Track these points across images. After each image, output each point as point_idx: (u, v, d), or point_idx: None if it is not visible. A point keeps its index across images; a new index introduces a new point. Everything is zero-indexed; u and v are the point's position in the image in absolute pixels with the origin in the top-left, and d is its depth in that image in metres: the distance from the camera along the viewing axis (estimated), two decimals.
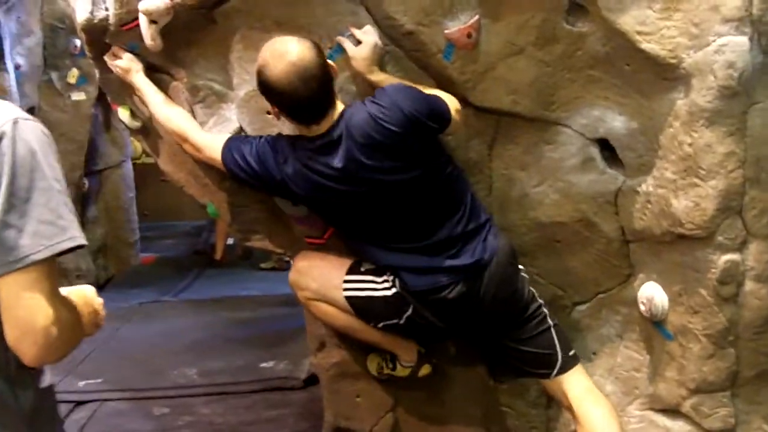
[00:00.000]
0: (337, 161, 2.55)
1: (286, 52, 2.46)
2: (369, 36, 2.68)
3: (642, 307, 2.79)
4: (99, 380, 4.58)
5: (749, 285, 2.61)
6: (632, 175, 2.74)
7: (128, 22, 2.75)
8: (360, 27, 2.70)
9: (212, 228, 8.04)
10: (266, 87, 2.52)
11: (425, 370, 3.02)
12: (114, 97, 3.16)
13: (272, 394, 4.32)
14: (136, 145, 7.14)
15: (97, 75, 3.14)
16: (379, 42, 2.70)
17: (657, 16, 2.49)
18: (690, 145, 2.50)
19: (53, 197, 1.50)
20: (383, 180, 2.56)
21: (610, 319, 2.98)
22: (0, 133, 1.46)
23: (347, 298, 2.80)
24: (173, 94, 2.91)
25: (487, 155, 2.89)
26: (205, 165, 2.88)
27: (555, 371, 2.77)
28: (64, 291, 1.61)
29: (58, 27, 6.13)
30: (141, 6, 2.67)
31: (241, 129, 2.86)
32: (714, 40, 2.42)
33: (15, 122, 1.49)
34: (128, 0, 2.70)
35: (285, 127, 2.71)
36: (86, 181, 6.77)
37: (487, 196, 2.92)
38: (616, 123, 2.71)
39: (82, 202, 6.69)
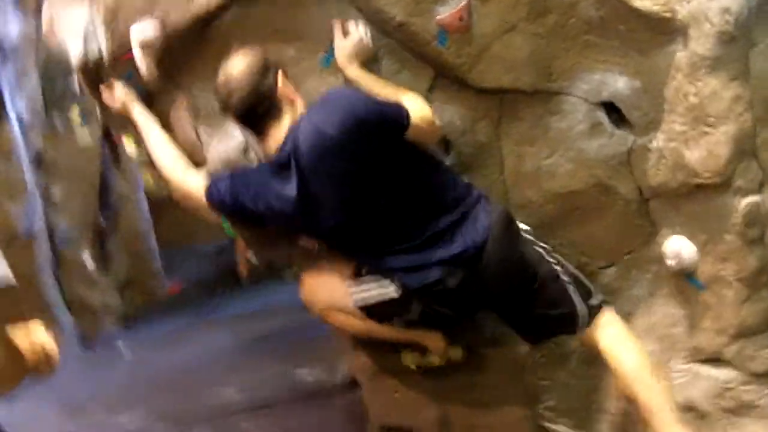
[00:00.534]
0: (292, 186, 2.58)
1: (227, 64, 2.61)
2: (355, 30, 2.69)
3: (670, 262, 2.78)
4: (140, 411, 4.60)
5: None
6: (642, 134, 2.73)
7: (122, 54, 2.77)
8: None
9: (233, 247, 8.04)
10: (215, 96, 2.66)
11: (457, 354, 3.04)
12: (118, 128, 3.18)
13: (312, 401, 4.32)
14: (147, 179, 7.14)
15: (98, 111, 3.17)
16: (367, 39, 2.70)
17: None
18: (695, 95, 2.50)
19: None
20: (344, 190, 2.57)
21: (639, 279, 2.97)
22: None
23: (357, 305, 2.81)
24: (175, 116, 2.92)
25: (495, 135, 2.89)
26: None
27: (579, 326, 2.74)
28: (13, 329, 1.59)
29: (55, 69, 6.15)
30: (133, 38, 2.69)
31: (246, 143, 2.87)
32: None
33: None
34: (120, 33, 2.73)
35: None
36: (102, 219, 6.79)
37: (500, 175, 2.92)
38: (618, 84, 2.70)
39: (100, 239, 6.71)
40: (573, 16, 2.66)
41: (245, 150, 2.88)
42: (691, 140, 2.55)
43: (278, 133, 2.62)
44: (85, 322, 6.06)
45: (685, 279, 2.80)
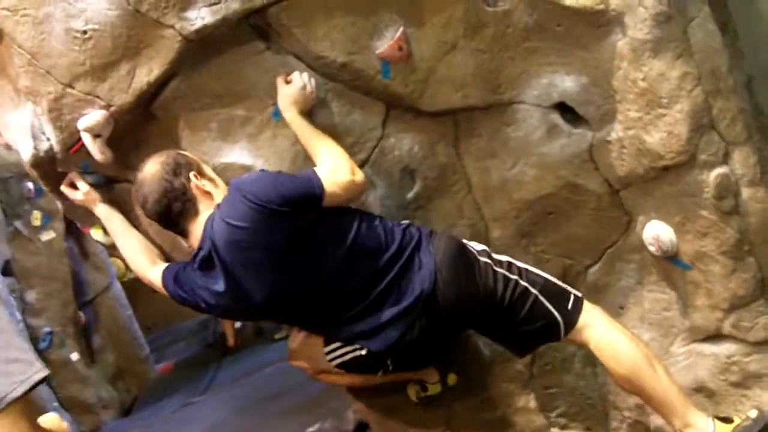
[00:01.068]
0: (219, 283, 2.60)
1: (140, 171, 2.67)
2: (298, 78, 2.68)
3: (651, 248, 2.79)
4: None
5: (745, 192, 2.61)
6: (599, 128, 2.74)
7: (73, 145, 2.76)
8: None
9: (217, 319, 7.99)
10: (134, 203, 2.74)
11: (452, 379, 3.06)
12: (82, 221, 3.15)
13: None
14: (119, 264, 7.12)
15: (59, 206, 3.14)
16: (310, 86, 2.69)
17: None
18: (643, 79, 2.52)
19: (13, 335, 1.52)
20: (268, 277, 2.57)
21: (625, 270, 2.98)
22: None
23: (336, 366, 2.80)
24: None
25: (456, 155, 2.90)
26: None
27: (562, 333, 2.71)
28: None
29: (7, 177, 6.12)
30: (80, 125, 2.68)
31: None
32: None
33: None
34: (67, 124, 2.71)
35: None
36: (82, 315, 6.73)
37: (468, 193, 2.93)
38: (566, 84, 2.71)
39: (84, 335, 6.66)
40: (509, 25, 2.67)
41: None
42: (649, 124, 2.57)
43: (198, 229, 2.63)
44: (83, 419, 6.00)
45: (669, 262, 2.81)
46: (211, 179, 2.70)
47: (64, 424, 1.80)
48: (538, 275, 2.74)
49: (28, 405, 1.52)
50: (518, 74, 2.74)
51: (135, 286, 7.63)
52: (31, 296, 6.04)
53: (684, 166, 2.58)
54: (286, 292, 2.61)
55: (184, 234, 2.69)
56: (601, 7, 2.51)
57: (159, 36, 2.60)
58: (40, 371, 1.55)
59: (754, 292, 2.70)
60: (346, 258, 2.59)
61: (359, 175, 2.63)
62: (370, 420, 3.26)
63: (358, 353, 2.72)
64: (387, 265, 2.61)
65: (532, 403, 3.15)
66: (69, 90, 2.67)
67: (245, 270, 2.55)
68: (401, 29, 2.66)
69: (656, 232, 2.75)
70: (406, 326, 2.61)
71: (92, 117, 2.67)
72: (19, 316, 5.57)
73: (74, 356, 6.23)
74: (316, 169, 2.60)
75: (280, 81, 2.69)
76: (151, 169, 2.64)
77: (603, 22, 2.54)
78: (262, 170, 2.72)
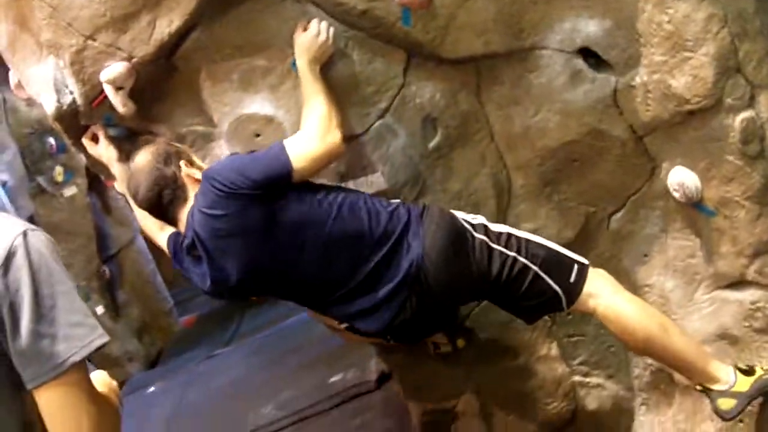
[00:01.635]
0: (204, 269, 2.66)
1: (134, 160, 2.72)
2: (315, 26, 2.65)
3: (676, 194, 2.77)
4: None
5: None
6: (623, 72, 2.71)
7: (96, 97, 2.76)
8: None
9: None
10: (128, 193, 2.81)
11: (461, 344, 3.10)
12: (106, 174, 3.17)
13: (351, 404, 4.34)
14: None
15: (82, 162, 3.16)
16: (326, 35, 2.66)
17: None
18: (669, 22, 2.49)
19: (75, 299, 1.56)
20: (249, 263, 2.60)
21: (649, 218, 2.96)
22: (13, 247, 1.51)
23: (347, 329, 2.88)
24: None
25: (478, 103, 2.88)
26: None
27: (565, 305, 2.70)
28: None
29: (29, 133, 6.15)
30: (103, 77, 2.68)
31: None
32: None
33: (24, 235, 1.54)
34: (89, 76, 2.72)
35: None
36: (106, 269, 6.79)
37: (490, 142, 2.91)
38: (590, 28, 2.67)
39: (108, 289, 6.72)
40: None
41: None
42: (674, 68, 2.54)
43: (187, 217, 2.68)
44: (110, 372, 6.07)
45: (694, 208, 2.79)
46: (200, 168, 2.74)
47: (114, 382, 1.85)
48: (539, 246, 2.71)
49: (86, 369, 1.56)
50: (540, 19, 2.70)
51: None
52: None
53: (710, 111, 2.56)
54: (266, 274, 2.65)
55: (174, 223, 2.74)
56: None
57: None
58: (101, 336, 1.57)
59: None
60: (327, 243, 2.59)
61: (333, 137, 2.60)
62: (396, 372, 3.28)
63: (357, 327, 2.79)
64: (371, 250, 2.61)
65: (554, 352, 3.17)
66: (91, 42, 2.66)
67: (226, 256, 2.60)
68: None
69: (681, 179, 2.73)
70: (398, 307, 2.63)
71: (114, 69, 2.67)
72: None
73: (99, 310, 6.30)
74: (286, 141, 2.60)
75: (298, 29, 2.68)
76: (143, 159, 2.70)
77: None
78: (233, 154, 2.77)
